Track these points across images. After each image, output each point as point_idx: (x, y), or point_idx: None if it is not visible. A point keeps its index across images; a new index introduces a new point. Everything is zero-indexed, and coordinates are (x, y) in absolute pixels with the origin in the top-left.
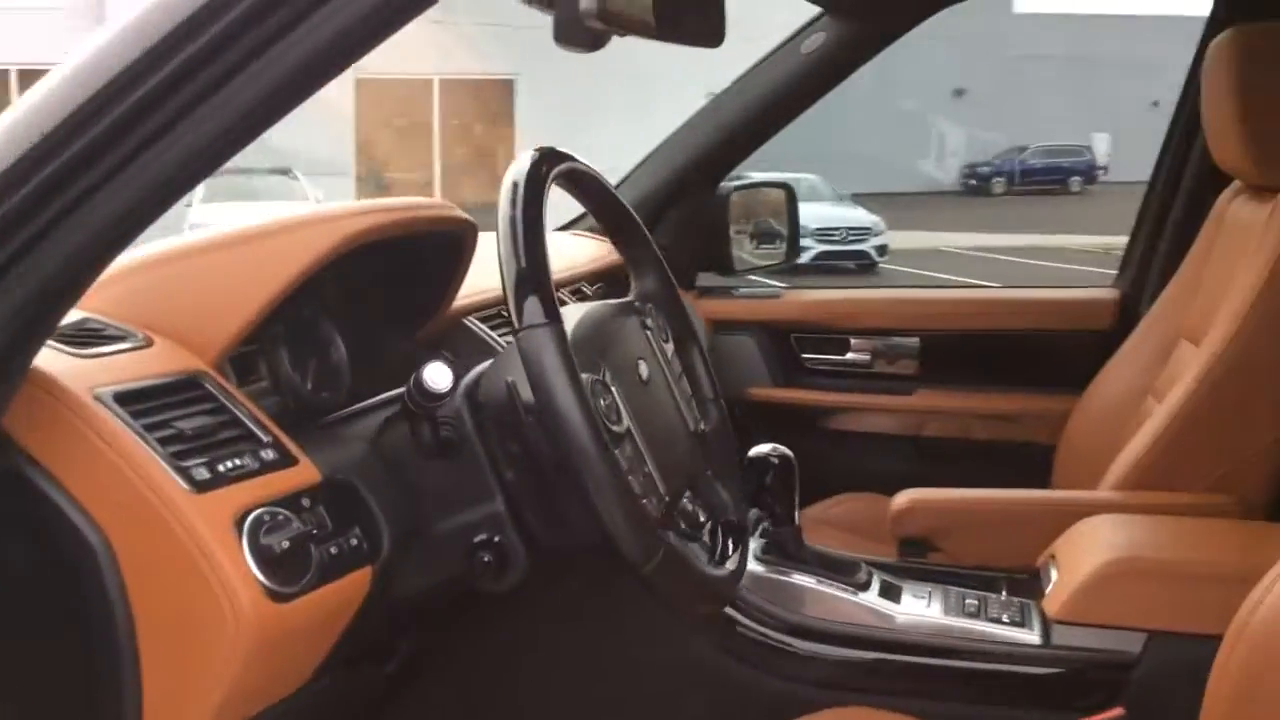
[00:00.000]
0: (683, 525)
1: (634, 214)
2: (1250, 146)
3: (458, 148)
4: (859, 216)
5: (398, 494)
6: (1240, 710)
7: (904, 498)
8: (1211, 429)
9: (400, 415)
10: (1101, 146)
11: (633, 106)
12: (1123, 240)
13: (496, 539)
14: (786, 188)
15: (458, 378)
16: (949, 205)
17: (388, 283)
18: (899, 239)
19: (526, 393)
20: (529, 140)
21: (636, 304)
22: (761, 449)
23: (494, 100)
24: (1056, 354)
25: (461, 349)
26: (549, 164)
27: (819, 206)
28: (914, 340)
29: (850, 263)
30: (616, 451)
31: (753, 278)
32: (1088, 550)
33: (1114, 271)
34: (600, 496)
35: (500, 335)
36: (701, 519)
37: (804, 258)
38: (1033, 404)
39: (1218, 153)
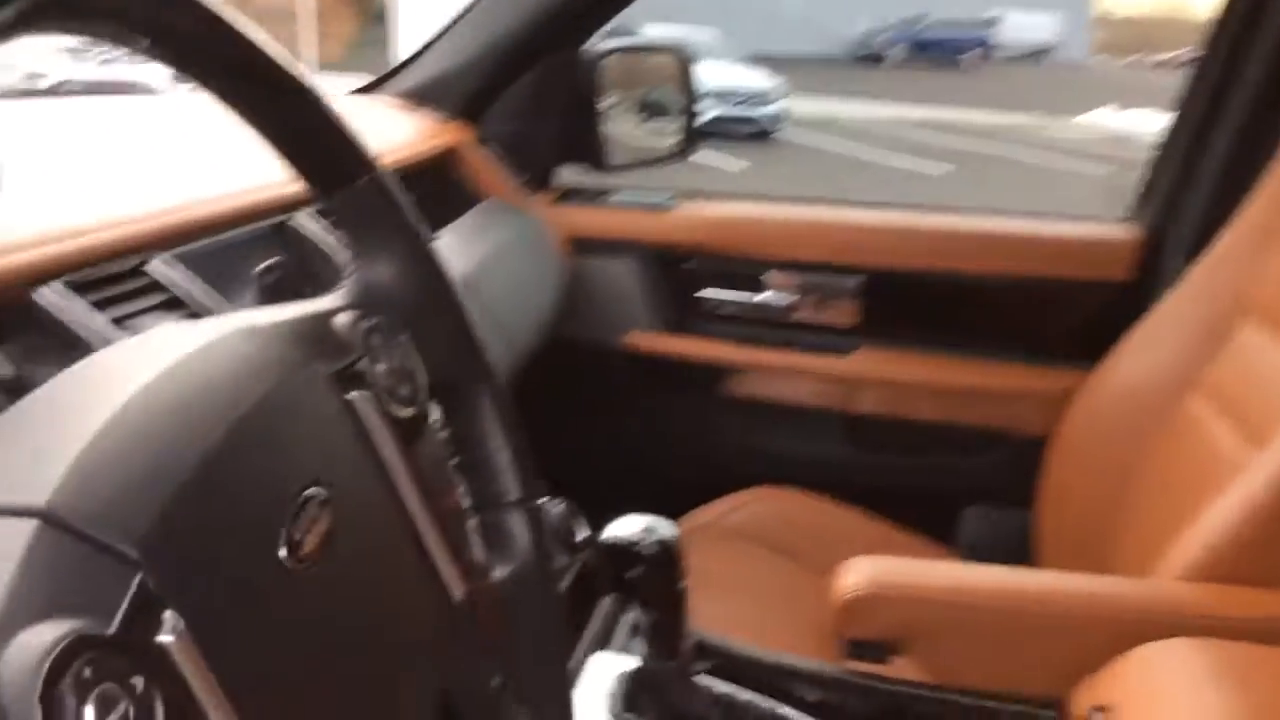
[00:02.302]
0: None
1: (317, 89)
2: None
3: None
4: (759, 80)
5: None
6: None
7: (858, 579)
8: None
9: None
10: (1049, 24)
11: None
12: (1023, 121)
13: None
14: (680, 52)
15: None
16: (842, 73)
17: None
18: (794, 106)
19: None
20: None
21: (341, 325)
22: (623, 531)
23: None
24: (1055, 312)
25: None
26: None
27: (718, 65)
28: (856, 279)
29: (744, 129)
30: None
31: (626, 187)
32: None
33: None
34: None
35: None
36: None
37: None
38: (1018, 379)
39: None
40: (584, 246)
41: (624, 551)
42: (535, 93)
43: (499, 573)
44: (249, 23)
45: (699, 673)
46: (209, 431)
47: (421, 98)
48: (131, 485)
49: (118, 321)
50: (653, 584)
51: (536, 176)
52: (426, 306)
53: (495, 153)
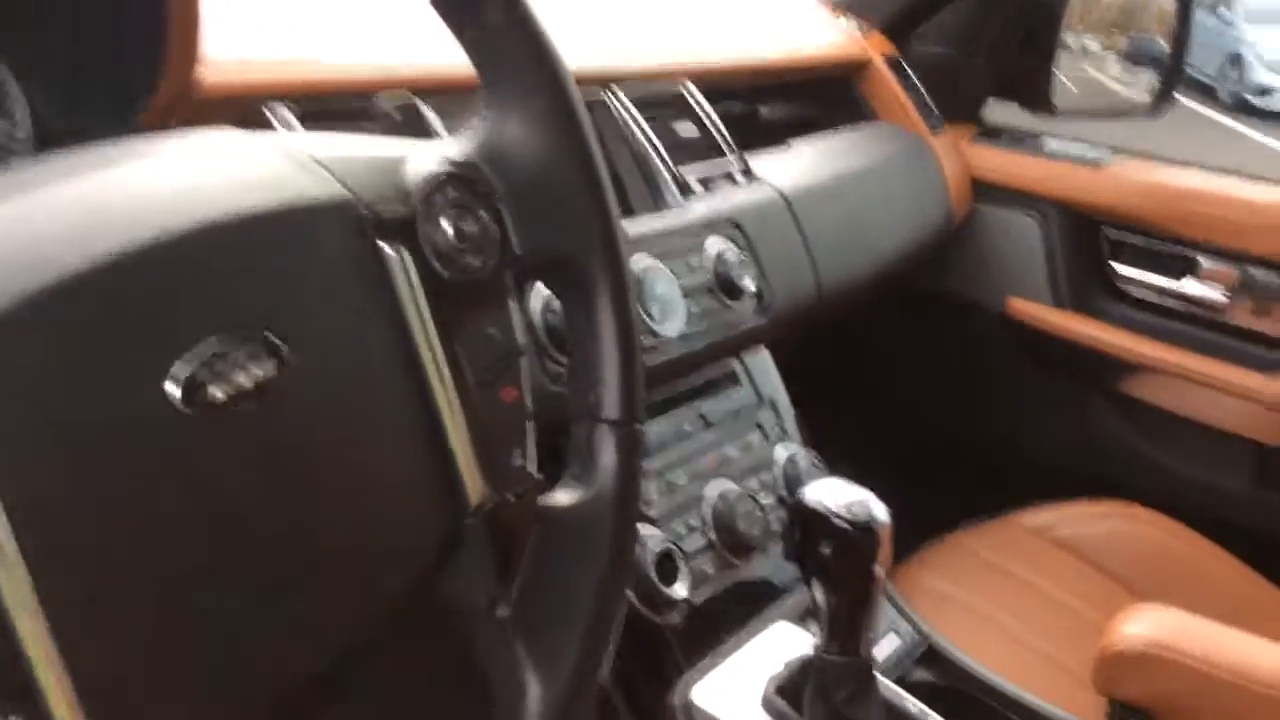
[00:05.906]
0: None
1: None
2: None
3: None
4: None
5: None
6: None
7: (1135, 631)
8: None
9: None
10: None
11: None
12: None
13: None
14: None
15: None
16: None
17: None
18: None
19: None
20: None
21: (411, 174)
22: (825, 497)
23: None
24: None
25: None
26: None
27: None
28: None
29: None
30: None
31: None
32: None
33: None
34: None
35: None
36: None
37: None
38: None
39: None
40: (987, 193)
41: (818, 519)
42: (976, 16)
43: (565, 495)
44: None
45: (878, 677)
46: (142, 229)
47: (849, 4)
48: (9, 262)
49: None
50: (841, 565)
51: (955, 108)
52: (554, 172)
53: (913, 75)
